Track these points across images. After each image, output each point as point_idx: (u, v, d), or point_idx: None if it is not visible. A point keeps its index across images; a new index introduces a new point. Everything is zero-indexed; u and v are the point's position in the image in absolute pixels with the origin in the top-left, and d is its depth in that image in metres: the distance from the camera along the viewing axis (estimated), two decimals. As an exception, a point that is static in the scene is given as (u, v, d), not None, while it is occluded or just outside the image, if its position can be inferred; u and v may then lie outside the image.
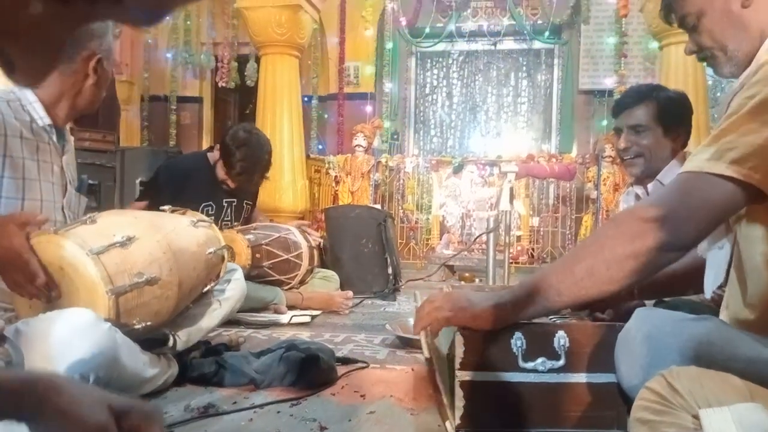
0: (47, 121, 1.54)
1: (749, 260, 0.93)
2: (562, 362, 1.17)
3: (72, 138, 1.74)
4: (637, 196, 2.07)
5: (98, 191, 4.89)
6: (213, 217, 2.87)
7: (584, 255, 1.01)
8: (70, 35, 0.32)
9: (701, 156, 0.92)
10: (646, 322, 0.96)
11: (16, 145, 1.46)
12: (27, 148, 1.49)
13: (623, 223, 0.98)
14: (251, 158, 2.84)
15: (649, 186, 1.98)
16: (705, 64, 1.15)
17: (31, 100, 1.52)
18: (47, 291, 1.30)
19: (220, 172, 2.89)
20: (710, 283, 1.09)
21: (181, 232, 1.59)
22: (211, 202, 2.91)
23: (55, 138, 1.57)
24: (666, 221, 0.92)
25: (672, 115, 1.93)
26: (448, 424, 1.23)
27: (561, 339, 1.18)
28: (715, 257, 1.07)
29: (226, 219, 3.02)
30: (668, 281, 1.32)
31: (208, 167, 2.94)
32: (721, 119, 0.94)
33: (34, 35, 0.30)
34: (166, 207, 1.75)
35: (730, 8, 1.03)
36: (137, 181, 4.99)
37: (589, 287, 1.00)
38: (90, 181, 4.16)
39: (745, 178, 0.86)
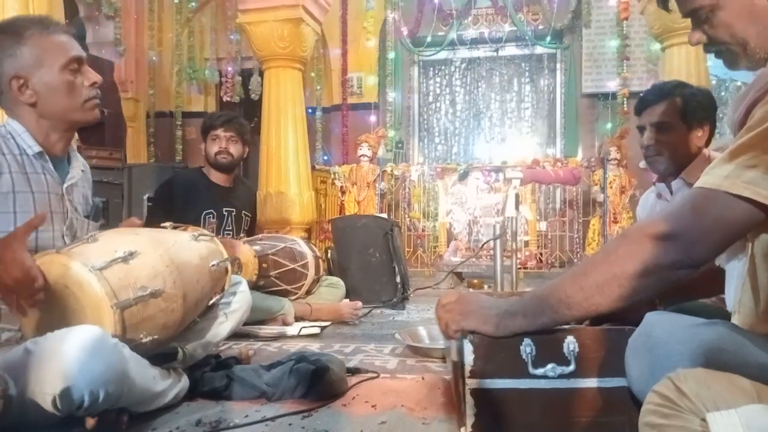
0: (36, 149, 1.54)
1: (765, 276, 0.90)
2: (572, 368, 1.16)
3: (83, 164, 1.73)
4: (659, 195, 2.05)
5: (106, 208, 4.92)
6: (215, 225, 3.09)
7: (594, 271, 0.99)
8: None
9: (719, 172, 0.87)
10: (656, 328, 0.95)
11: (5, 181, 1.47)
12: (18, 181, 1.49)
13: (634, 240, 0.95)
14: (229, 114, 3.26)
15: (674, 184, 1.95)
16: (714, 56, 1.04)
17: (19, 132, 1.54)
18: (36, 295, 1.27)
19: (210, 147, 3.14)
20: (732, 294, 1.05)
21: (182, 246, 1.60)
22: (212, 210, 3.11)
23: (51, 166, 1.57)
24: (677, 240, 0.90)
25: (696, 112, 1.90)
26: (463, 430, 1.23)
27: (570, 344, 1.17)
28: (734, 268, 1.03)
29: (227, 229, 3.18)
30: (690, 286, 1.28)
31: (206, 179, 3.19)
32: (741, 132, 0.88)
33: None
34: (166, 224, 1.76)
35: (753, 1, 0.94)
36: (145, 197, 5.04)
37: (599, 304, 0.99)
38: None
39: (765, 200, 0.82)
